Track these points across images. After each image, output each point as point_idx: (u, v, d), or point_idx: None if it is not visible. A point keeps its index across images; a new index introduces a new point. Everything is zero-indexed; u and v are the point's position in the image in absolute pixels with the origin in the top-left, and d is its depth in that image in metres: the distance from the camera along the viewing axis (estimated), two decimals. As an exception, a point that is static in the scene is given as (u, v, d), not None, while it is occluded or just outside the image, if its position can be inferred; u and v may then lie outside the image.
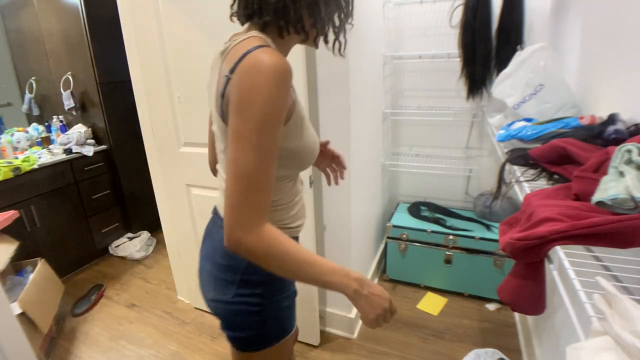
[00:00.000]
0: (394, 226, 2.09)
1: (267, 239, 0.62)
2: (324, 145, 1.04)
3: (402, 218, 2.17)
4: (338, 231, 1.66)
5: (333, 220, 1.65)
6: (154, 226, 2.71)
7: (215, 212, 0.88)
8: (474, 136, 2.15)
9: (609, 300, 0.46)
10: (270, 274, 0.65)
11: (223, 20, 1.35)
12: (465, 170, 2.20)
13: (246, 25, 0.73)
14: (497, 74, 1.60)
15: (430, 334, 1.81)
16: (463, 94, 1.92)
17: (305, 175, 1.44)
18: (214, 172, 0.98)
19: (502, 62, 1.69)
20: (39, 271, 1.85)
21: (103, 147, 2.57)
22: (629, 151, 0.57)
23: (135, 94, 1.82)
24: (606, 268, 0.58)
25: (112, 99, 2.49)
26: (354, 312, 1.78)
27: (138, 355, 1.80)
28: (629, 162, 0.56)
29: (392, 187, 2.46)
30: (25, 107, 2.74)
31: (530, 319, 1.67)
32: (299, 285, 0.91)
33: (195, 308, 2.09)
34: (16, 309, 1.54)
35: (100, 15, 2.32)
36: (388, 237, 2.12)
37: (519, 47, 1.66)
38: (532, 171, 0.85)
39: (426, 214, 2.20)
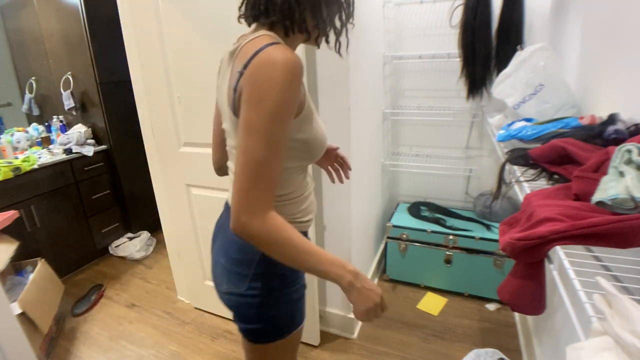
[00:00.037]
0: (394, 226, 2.09)
1: (271, 225, 0.64)
2: (333, 150, 1.06)
3: (402, 218, 2.17)
4: (338, 231, 1.66)
5: (333, 220, 1.65)
6: (154, 226, 2.71)
7: (227, 206, 0.89)
8: (474, 136, 2.15)
9: (608, 300, 0.46)
10: (283, 267, 0.68)
11: (223, 20, 1.37)
12: (465, 170, 2.20)
13: (253, 26, 0.76)
14: (497, 74, 1.60)
15: (430, 334, 1.81)
16: (463, 94, 1.92)
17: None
18: (218, 171, 0.99)
19: (502, 62, 1.69)
20: (39, 271, 1.85)
21: (103, 147, 2.57)
22: (629, 151, 0.57)
23: (135, 94, 1.82)
24: (606, 268, 0.58)
25: (112, 99, 2.49)
26: (354, 312, 1.78)
27: (138, 355, 1.80)
28: (629, 162, 0.56)
29: (392, 187, 2.46)
30: (25, 107, 2.74)
31: (530, 319, 1.67)
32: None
33: (195, 308, 2.09)
34: (16, 309, 1.54)
35: (100, 15, 2.32)
36: (388, 237, 2.12)
37: (519, 47, 1.66)
38: (532, 171, 0.86)
39: (426, 214, 2.20)
